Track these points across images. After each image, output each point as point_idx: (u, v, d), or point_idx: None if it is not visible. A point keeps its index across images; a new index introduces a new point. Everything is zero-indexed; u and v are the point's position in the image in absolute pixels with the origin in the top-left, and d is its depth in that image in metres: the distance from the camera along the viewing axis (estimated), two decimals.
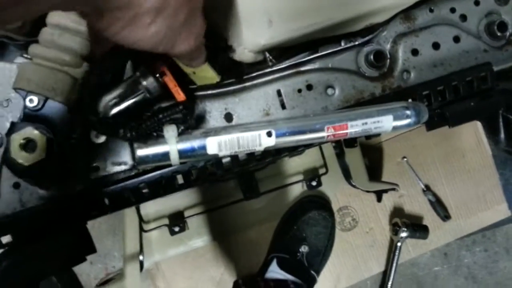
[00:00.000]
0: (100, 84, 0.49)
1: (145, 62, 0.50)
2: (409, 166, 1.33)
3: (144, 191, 0.54)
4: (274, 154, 0.56)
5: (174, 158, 0.49)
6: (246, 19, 0.51)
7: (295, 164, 1.28)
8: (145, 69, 0.49)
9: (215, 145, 0.49)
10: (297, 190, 1.29)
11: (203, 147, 0.49)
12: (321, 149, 1.26)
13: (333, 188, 1.31)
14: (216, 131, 0.50)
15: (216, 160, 0.54)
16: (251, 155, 0.56)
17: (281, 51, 0.59)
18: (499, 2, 0.62)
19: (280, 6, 0.51)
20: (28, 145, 0.46)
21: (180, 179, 0.56)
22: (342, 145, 1.18)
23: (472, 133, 1.35)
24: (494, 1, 0.62)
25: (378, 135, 0.58)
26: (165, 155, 0.49)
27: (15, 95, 0.50)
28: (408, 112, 0.52)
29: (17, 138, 0.46)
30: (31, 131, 0.46)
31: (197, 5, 0.40)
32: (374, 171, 1.32)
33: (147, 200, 0.55)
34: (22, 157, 0.46)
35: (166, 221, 1.21)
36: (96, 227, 1.27)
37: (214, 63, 0.52)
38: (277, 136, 0.50)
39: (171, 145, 0.49)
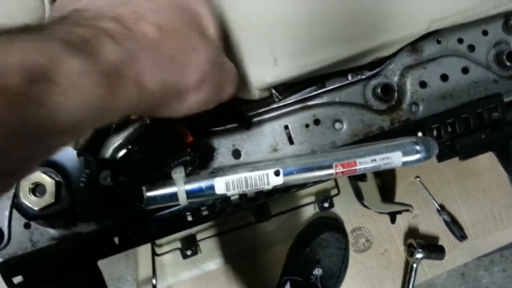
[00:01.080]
0: (109, 126, 0.50)
1: None
2: (423, 186, 1.32)
3: (152, 229, 0.54)
4: (283, 191, 0.56)
5: (182, 198, 0.49)
6: (251, 58, 0.51)
7: None
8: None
9: (223, 185, 0.49)
10: (309, 211, 1.29)
11: (211, 187, 0.49)
12: None
13: (346, 209, 1.30)
14: (224, 171, 0.50)
15: (224, 198, 0.54)
16: (259, 193, 0.55)
17: (287, 86, 0.59)
18: (508, 32, 0.61)
19: (285, 44, 0.51)
20: (37, 189, 0.47)
21: (189, 216, 0.56)
22: None
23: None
24: (502, 31, 0.61)
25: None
26: (173, 196, 0.49)
27: None
28: (417, 147, 0.52)
29: (26, 183, 0.46)
30: (39, 176, 0.47)
31: (223, 58, 0.42)
32: (387, 191, 1.31)
33: (156, 239, 0.55)
34: (31, 202, 0.46)
35: (178, 244, 1.22)
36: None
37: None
38: (285, 174, 0.50)
39: (179, 186, 0.49)
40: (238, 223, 1.20)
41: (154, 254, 1.18)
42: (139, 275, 1.18)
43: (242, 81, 0.53)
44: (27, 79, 0.22)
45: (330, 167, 0.51)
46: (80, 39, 0.27)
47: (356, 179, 1.08)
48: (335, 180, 1.26)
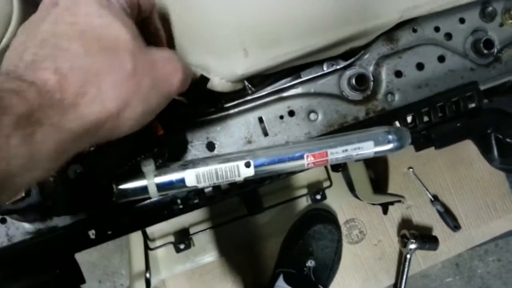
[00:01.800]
0: None
1: None
2: (415, 177, 1.32)
3: (126, 222, 0.54)
4: (257, 182, 0.56)
5: (153, 192, 0.49)
6: (222, 50, 0.51)
7: (299, 178, 1.27)
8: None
9: (193, 178, 0.49)
10: (302, 204, 1.29)
11: (182, 180, 0.49)
12: None
13: (338, 201, 1.30)
14: (194, 164, 0.50)
15: (197, 190, 0.54)
16: (233, 184, 0.55)
17: (262, 78, 0.59)
18: (485, 19, 0.60)
19: (255, 36, 0.50)
20: None
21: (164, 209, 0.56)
22: None
23: None
24: (479, 18, 0.61)
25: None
26: (144, 189, 0.49)
27: None
28: (390, 137, 0.52)
29: None
30: None
31: (155, 66, 0.39)
32: (380, 182, 1.31)
33: (131, 232, 0.55)
34: None
35: (171, 238, 1.22)
36: (103, 245, 1.27)
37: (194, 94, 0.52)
38: (256, 166, 0.50)
39: (149, 179, 0.49)
40: (231, 216, 1.20)
41: (147, 248, 1.19)
42: (132, 269, 1.19)
43: (214, 73, 0.53)
44: None
45: (301, 158, 0.51)
46: None
47: (332, 169, 1.08)
48: (327, 172, 1.25)
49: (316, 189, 1.24)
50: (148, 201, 0.54)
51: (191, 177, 0.49)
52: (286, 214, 1.28)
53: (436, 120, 0.57)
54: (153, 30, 0.48)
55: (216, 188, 0.56)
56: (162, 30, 0.49)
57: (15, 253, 0.53)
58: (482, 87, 0.59)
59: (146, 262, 1.19)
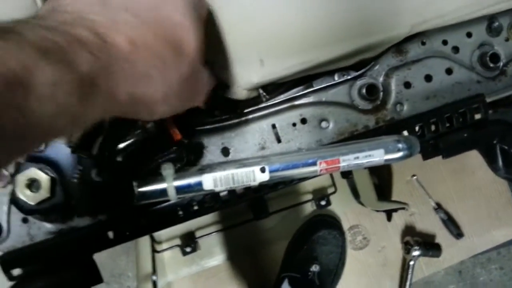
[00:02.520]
0: (100, 125, 0.52)
1: None
2: (419, 184, 1.33)
3: (145, 224, 0.56)
4: (271, 187, 0.58)
5: (172, 194, 0.51)
6: (238, 60, 0.53)
7: (304, 184, 1.29)
8: None
9: (211, 181, 0.51)
10: (306, 209, 1.31)
11: (199, 184, 0.51)
12: None
13: (343, 207, 1.32)
14: (212, 168, 0.52)
15: (213, 194, 0.56)
16: (248, 189, 0.57)
17: (275, 86, 0.61)
18: (491, 34, 0.63)
19: (270, 46, 0.53)
20: (32, 184, 0.50)
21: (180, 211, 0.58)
22: None
23: None
24: (486, 33, 0.63)
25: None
26: (163, 192, 0.51)
27: None
28: (399, 145, 0.54)
29: (22, 179, 0.49)
30: (35, 172, 0.49)
31: (197, 72, 0.42)
32: (384, 189, 1.33)
33: (149, 233, 0.57)
34: (27, 196, 0.49)
35: (178, 241, 1.24)
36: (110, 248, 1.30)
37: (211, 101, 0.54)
38: (271, 171, 0.52)
39: (169, 182, 0.51)
40: (237, 221, 1.22)
41: (154, 251, 1.21)
42: (139, 272, 1.21)
43: (231, 81, 0.55)
44: (5, 86, 0.24)
45: (314, 164, 0.53)
46: (55, 47, 0.28)
47: (342, 176, 1.10)
48: (332, 178, 1.28)
49: (321, 195, 1.26)
50: (166, 204, 0.56)
51: (209, 181, 0.51)
52: (291, 219, 1.30)
53: (443, 130, 0.59)
54: None
55: (232, 192, 0.58)
56: None
57: (36, 252, 0.55)
58: (488, 99, 0.61)
59: (153, 264, 1.21)
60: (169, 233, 1.24)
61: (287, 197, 1.28)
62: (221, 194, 0.58)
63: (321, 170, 0.53)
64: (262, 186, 0.56)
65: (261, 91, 0.57)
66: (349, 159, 0.53)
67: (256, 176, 0.52)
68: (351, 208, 1.32)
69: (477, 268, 1.40)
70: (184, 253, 1.21)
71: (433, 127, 0.60)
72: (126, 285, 1.31)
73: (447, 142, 0.59)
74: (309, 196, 1.28)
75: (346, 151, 0.53)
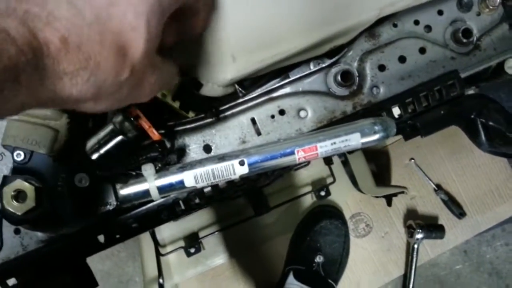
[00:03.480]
0: (82, 131, 0.53)
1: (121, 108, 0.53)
2: (418, 167, 1.33)
3: (133, 225, 0.58)
4: (254, 180, 0.59)
5: (154, 194, 0.52)
6: (211, 57, 0.54)
7: (302, 176, 1.30)
8: (120, 114, 0.52)
9: (192, 178, 0.52)
10: (307, 201, 1.31)
11: (181, 182, 0.52)
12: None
13: (343, 196, 1.32)
14: (192, 165, 0.53)
15: (197, 190, 0.57)
16: (230, 183, 0.58)
17: (252, 81, 0.62)
18: (463, 9, 0.63)
19: (241, 41, 0.53)
20: (19, 195, 0.51)
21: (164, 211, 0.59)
22: (345, 153, 1.20)
23: None
24: (457, 9, 0.63)
25: (353, 151, 0.60)
26: (146, 192, 0.52)
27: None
28: (375, 127, 0.54)
29: (8, 191, 0.50)
30: (20, 183, 0.50)
31: (142, 75, 0.39)
32: (383, 175, 1.33)
33: (138, 234, 0.58)
34: (14, 207, 0.50)
35: (182, 243, 1.25)
36: (115, 254, 1.32)
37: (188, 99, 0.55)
38: (250, 164, 0.53)
39: (150, 182, 0.52)
40: (239, 218, 1.23)
41: (158, 254, 1.22)
42: (145, 277, 1.22)
43: (205, 79, 0.56)
44: None
45: (292, 153, 0.53)
46: None
47: (325, 163, 1.11)
48: (330, 168, 1.28)
49: (320, 186, 1.27)
50: (152, 204, 0.57)
51: (190, 178, 0.52)
52: (292, 212, 1.31)
53: (420, 109, 0.60)
54: None
55: (215, 187, 0.59)
56: None
57: (30, 261, 0.57)
58: (463, 75, 0.61)
59: (159, 268, 1.22)
60: (173, 236, 1.25)
61: (287, 191, 1.28)
62: (205, 190, 0.59)
63: (299, 158, 0.54)
64: (244, 178, 0.57)
65: (237, 86, 0.58)
66: (326, 145, 0.54)
67: (236, 169, 0.53)
68: (351, 196, 1.33)
69: (483, 246, 1.40)
70: (189, 254, 1.22)
71: (410, 108, 0.60)
72: None
73: (424, 120, 0.59)
74: (309, 188, 1.29)
75: (322, 138, 0.54)
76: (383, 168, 1.34)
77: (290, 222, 1.31)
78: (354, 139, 0.54)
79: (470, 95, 0.61)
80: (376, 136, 0.54)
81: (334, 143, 0.54)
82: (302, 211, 1.31)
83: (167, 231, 1.24)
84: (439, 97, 0.60)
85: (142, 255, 1.22)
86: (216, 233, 1.25)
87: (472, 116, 0.60)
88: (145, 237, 1.20)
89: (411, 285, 1.32)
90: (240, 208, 1.27)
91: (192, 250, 1.23)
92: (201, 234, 1.26)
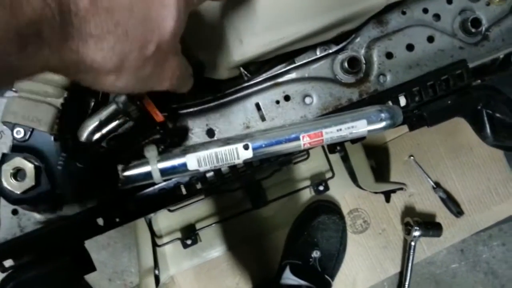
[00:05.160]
0: (83, 110, 0.52)
1: None
2: (417, 164, 1.33)
3: (133, 209, 0.57)
4: (257, 165, 0.58)
5: (157, 176, 0.51)
6: (217, 40, 0.53)
7: (301, 170, 1.29)
8: (123, 94, 0.51)
9: (195, 161, 0.51)
10: (305, 196, 1.31)
11: (184, 164, 0.51)
12: (326, 153, 1.28)
13: (341, 191, 1.32)
14: (195, 148, 0.52)
15: (199, 175, 0.56)
16: (233, 168, 0.57)
17: (258, 65, 0.61)
18: None
19: (248, 24, 0.53)
20: (18, 174, 0.50)
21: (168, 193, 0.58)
22: (345, 148, 1.19)
23: None
24: None
25: (361, 139, 0.59)
26: (148, 174, 0.51)
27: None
28: (382, 115, 0.53)
29: (7, 169, 0.49)
30: (19, 161, 0.49)
31: (166, 56, 0.39)
32: (382, 171, 1.33)
33: (138, 218, 0.57)
34: (13, 186, 0.49)
35: (178, 234, 1.24)
36: (111, 245, 1.31)
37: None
38: (254, 148, 0.52)
39: (152, 164, 0.51)
40: (236, 211, 1.22)
41: (155, 245, 1.21)
42: (141, 267, 1.21)
43: (211, 61, 0.55)
44: None
45: (297, 139, 0.53)
46: None
47: (329, 151, 1.10)
48: (329, 163, 1.27)
49: (319, 180, 1.26)
50: (153, 187, 0.56)
51: (193, 161, 0.51)
52: (290, 206, 1.30)
53: (427, 99, 0.59)
54: None
55: (217, 172, 0.58)
56: None
57: (27, 243, 0.55)
58: (471, 65, 0.60)
59: (155, 259, 1.21)
60: (169, 227, 1.24)
61: (285, 184, 1.28)
62: (208, 175, 0.58)
63: (304, 144, 0.53)
64: (248, 164, 0.57)
65: (242, 70, 0.57)
66: (332, 132, 0.53)
67: (240, 153, 0.52)
68: (349, 192, 1.32)
69: (479, 245, 1.39)
70: (185, 246, 1.21)
71: (417, 97, 0.59)
72: (129, 281, 1.32)
73: (430, 110, 0.58)
74: (307, 182, 1.28)
75: (328, 124, 0.53)
76: (382, 164, 1.34)
77: (288, 216, 1.30)
78: (360, 126, 0.53)
79: (477, 86, 0.61)
80: (382, 124, 0.53)
81: (340, 129, 0.53)
82: (300, 206, 1.30)
83: (164, 221, 1.23)
84: (446, 86, 0.59)
85: (138, 246, 1.21)
86: (213, 225, 1.24)
87: (479, 107, 0.59)
88: (142, 227, 1.19)
89: (407, 283, 1.31)
90: (238, 200, 1.26)
91: (189, 242, 1.21)
92: (198, 226, 1.25)
